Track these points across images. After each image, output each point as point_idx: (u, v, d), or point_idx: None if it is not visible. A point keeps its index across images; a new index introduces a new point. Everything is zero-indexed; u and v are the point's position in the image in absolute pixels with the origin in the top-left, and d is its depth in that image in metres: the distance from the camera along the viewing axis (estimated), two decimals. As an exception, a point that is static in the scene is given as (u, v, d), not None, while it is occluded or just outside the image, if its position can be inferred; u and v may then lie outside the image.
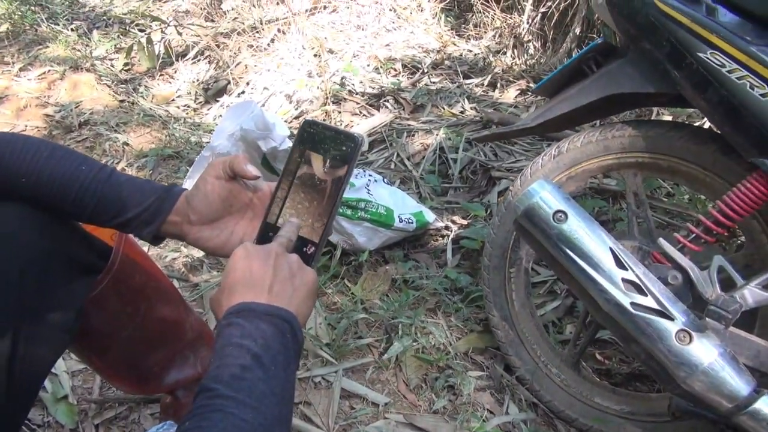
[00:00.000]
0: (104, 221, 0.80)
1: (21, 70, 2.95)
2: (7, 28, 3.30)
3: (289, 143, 1.52)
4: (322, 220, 0.76)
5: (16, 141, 0.79)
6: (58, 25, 3.43)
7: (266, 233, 0.78)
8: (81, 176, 0.78)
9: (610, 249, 1.05)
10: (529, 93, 2.72)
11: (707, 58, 1.07)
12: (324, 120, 2.55)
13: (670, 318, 1.00)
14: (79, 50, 3.15)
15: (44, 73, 2.91)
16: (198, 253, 1.76)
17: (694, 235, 1.11)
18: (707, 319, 0.99)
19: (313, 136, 0.77)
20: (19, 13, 3.42)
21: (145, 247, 1.67)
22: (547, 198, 1.10)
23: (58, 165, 0.78)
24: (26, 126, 2.52)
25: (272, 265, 0.68)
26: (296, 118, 2.62)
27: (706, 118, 1.55)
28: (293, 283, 0.69)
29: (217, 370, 0.60)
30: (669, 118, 2.37)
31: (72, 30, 3.39)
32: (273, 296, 0.66)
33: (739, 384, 0.95)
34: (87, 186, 0.77)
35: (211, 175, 0.78)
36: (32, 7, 3.57)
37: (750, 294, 1.00)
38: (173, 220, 0.79)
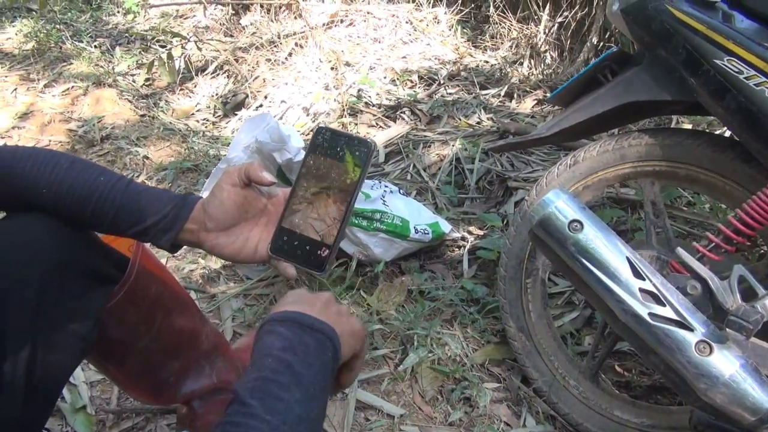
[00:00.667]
0: (123, 230, 0.81)
1: (46, 86, 3.02)
2: (33, 46, 3.39)
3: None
4: (336, 225, 0.77)
5: (37, 154, 0.81)
6: (82, 42, 3.51)
7: (281, 238, 0.79)
8: (100, 187, 0.79)
9: (627, 259, 1.04)
10: (546, 103, 2.71)
11: (724, 64, 1.06)
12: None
13: (690, 329, 0.98)
14: (101, 66, 3.22)
15: (68, 89, 2.98)
16: (215, 265, 1.78)
17: (713, 244, 1.09)
18: (728, 329, 0.97)
19: (326, 143, 0.78)
20: (45, 32, 3.52)
21: (163, 259, 1.69)
22: (562, 207, 1.09)
23: (78, 176, 0.80)
24: (50, 141, 2.58)
25: (323, 300, 0.70)
26: (313, 130, 2.64)
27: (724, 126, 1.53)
28: (340, 320, 0.69)
29: (254, 383, 0.59)
30: (689, 126, 2.34)
31: (95, 47, 3.47)
32: (320, 316, 0.67)
33: (762, 396, 0.93)
34: (106, 196, 0.79)
35: (227, 182, 0.79)
36: (57, 26, 3.67)
37: (772, 304, 0.98)
38: (190, 228, 0.80)
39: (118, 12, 4.05)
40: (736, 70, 1.04)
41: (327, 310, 0.69)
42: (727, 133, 1.71)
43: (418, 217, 1.82)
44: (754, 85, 1.03)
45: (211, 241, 0.80)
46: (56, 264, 0.80)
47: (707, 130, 2.16)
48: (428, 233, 1.78)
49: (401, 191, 1.93)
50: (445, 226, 1.86)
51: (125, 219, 0.79)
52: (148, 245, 0.89)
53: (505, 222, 1.95)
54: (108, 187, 0.79)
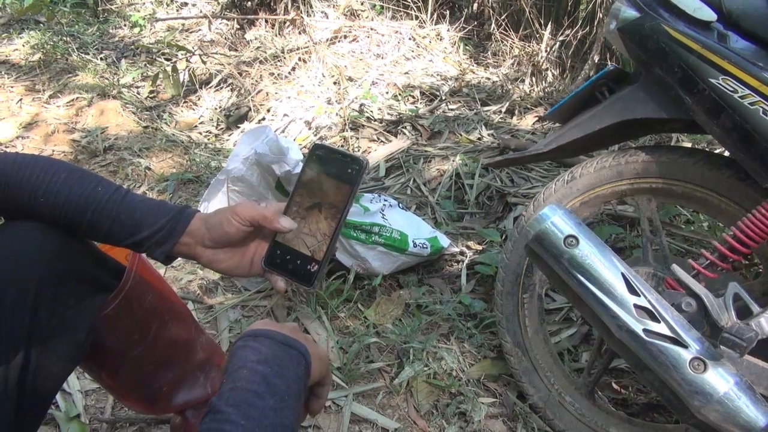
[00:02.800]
0: (118, 241, 0.82)
1: (51, 97, 3.05)
2: (40, 58, 3.43)
3: (304, 167, 1.53)
4: (326, 241, 0.78)
5: (36, 163, 0.81)
6: (88, 54, 3.55)
7: (275, 252, 0.80)
8: (97, 197, 0.80)
9: (622, 275, 1.04)
10: (543, 119, 2.73)
11: (719, 84, 1.07)
12: (341, 146, 2.58)
13: (684, 345, 0.98)
14: (107, 78, 3.25)
15: (73, 100, 3.01)
16: (213, 275, 1.78)
17: (709, 261, 1.10)
18: (722, 347, 0.97)
19: (322, 159, 0.80)
20: (52, 44, 3.55)
21: (162, 269, 1.70)
22: (558, 223, 1.09)
23: (75, 185, 0.80)
24: (53, 151, 2.59)
25: (290, 327, 0.72)
26: (311, 145, 2.65)
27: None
28: (308, 343, 0.71)
29: (229, 393, 0.60)
30: (689, 144, 2.35)
31: (101, 59, 3.51)
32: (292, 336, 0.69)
33: (755, 415, 0.92)
34: (103, 206, 0.80)
35: (238, 220, 0.79)
36: (64, 38, 3.71)
37: (766, 322, 0.98)
38: (186, 242, 0.81)
39: (125, 25, 4.09)
40: (731, 89, 1.05)
41: (295, 334, 0.70)
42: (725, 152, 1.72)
43: (417, 231, 1.82)
44: (749, 104, 1.04)
45: (207, 257, 0.81)
46: (52, 272, 0.81)
47: (706, 149, 2.17)
48: (427, 247, 1.78)
49: (401, 205, 1.94)
50: (444, 241, 1.86)
51: (121, 230, 0.80)
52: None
53: (504, 237, 1.95)
54: (105, 198, 0.80)
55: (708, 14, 1.12)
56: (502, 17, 3.43)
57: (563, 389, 1.35)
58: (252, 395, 0.59)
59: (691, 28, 1.12)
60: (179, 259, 0.85)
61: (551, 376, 1.37)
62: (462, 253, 1.92)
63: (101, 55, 3.58)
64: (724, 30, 1.12)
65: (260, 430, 0.56)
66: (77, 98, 3.01)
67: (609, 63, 2.99)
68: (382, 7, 3.64)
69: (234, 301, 1.68)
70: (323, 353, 0.73)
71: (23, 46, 3.67)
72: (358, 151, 2.56)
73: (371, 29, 3.47)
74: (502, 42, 3.43)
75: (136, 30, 4.02)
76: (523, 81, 3.19)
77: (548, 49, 3.24)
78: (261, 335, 0.65)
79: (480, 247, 1.96)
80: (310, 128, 2.80)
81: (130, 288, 0.93)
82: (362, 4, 3.65)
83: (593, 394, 1.35)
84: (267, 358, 0.62)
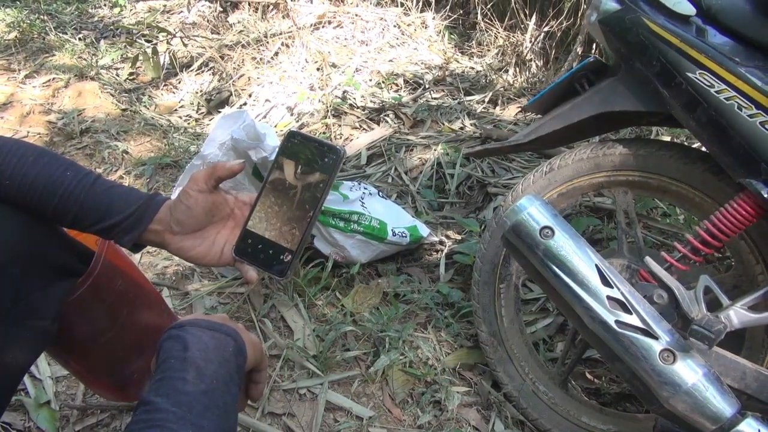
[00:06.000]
0: (85, 227, 0.80)
1: (27, 77, 2.98)
2: (16, 36, 3.35)
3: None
4: (300, 230, 0.76)
5: (3, 145, 0.79)
6: (66, 34, 3.47)
7: (245, 241, 0.78)
8: (65, 182, 0.78)
9: (596, 266, 1.05)
10: (524, 110, 2.73)
11: (696, 78, 1.07)
12: (323, 132, 2.56)
13: (655, 337, 0.99)
14: (85, 59, 3.18)
15: (49, 80, 2.95)
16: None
17: (681, 254, 1.11)
18: (691, 339, 0.98)
19: (297, 147, 0.78)
20: (28, 22, 3.47)
21: (137, 255, 1.68)
22: (534, 213, 1.09)
23: (43, 169, 0.78)
24: (28, 132, 2.54)
25: (220, 316, 0.74)
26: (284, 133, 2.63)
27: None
28: (240, 331, 0.72)
29: (158, 383, 0.60)
30: (668, 137, 2.37)
31: (79, 39, 3.43)
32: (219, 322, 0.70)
33: (722, 405, 0.94)
34: (71, 192, 0.78)
35: (194, 189, 0.79)
36: (41, 16, 3.63)
37: (735, 314, 0.99)
38: (155, 229, 0.79)
39: (105, 5, 4.01)
40: (708, 83, 1.06)
41: (225, 321, 0.71)
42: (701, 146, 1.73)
43: (397, 220, 1.82)
44: (725, 99, 1.04)
45: (176, 244, 0.80)
46: (17, 256, 0.79)
47: (684, 143, 2.19)
48: (406, 236, 1.78)
49: (381, 194, 1.93)
50: (423, 230, 1.86)
51: (88, 216, 0.79)
52: (115, 240, 0.88)
53: (483, 227, 1.95)
54: (73, 183, 0.78)
55: (687, 8, 1.12)
56: (488, 6, 3.42)
57: (537, 379, 1.37)
58: (180, 382, 0.59)
59: (671, 22, 1.12)
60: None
61: (526, 366, 1.38)
62: (441, 243, 1.93)
63: (79, 35, 3.51)
64: (703, 24, 1.12)
65: (192, 415, 0.56)
66: (54, 79, 2.95)
67: (591, 55, 3.00)
68: (367, -7, 3.61)
69: (210, 288, 1.66)
70: (255, 339, 0.74)
71: (-1, 24, 3.58)
72: (340, 138, 2.54)
73: (356, 15, 3.44)
74: (487, 32, 3.42)
75: (116, 10, 3.94)
76: (506, 71, 3.19)
77: (533, 39, 3.23)
78: (185, 324, 0.65)
79: (459, 237, 1.97)
80: (292, 114, 2.77)
81: (100, 273, 0.91)
82: (347, -11, 3.62)
83: (567, 383, 1.37)
84: (192, 344, 0.62)
